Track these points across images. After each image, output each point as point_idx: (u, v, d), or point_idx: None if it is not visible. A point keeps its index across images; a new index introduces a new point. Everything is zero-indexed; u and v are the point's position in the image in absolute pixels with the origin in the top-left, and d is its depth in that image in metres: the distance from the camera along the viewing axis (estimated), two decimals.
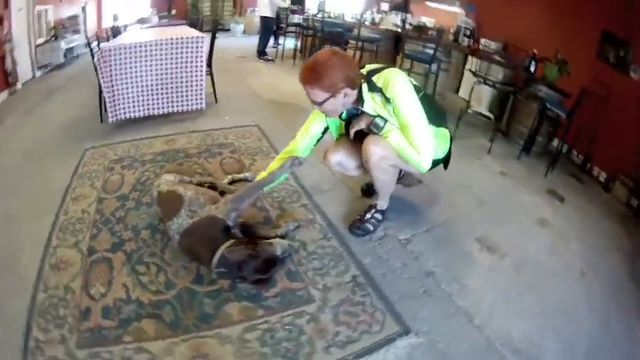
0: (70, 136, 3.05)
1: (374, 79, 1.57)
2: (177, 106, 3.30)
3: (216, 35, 3.73)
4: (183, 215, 1.61)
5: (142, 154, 2.66)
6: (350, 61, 1.53)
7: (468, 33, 4.29)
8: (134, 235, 1.84)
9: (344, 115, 1.70)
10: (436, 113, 1.70)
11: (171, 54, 3.08)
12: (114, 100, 2.99)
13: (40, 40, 4.93)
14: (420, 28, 4.78)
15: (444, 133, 1.77)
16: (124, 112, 3.08)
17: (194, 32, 3.41)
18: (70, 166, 2.54)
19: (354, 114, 1.66)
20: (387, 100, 1.55)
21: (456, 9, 4.97)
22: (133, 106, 3.11)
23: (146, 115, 3.19)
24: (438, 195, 2.31)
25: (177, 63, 3.13)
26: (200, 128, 3.11)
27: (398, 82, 1.53)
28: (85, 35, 4.25)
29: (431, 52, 3.84)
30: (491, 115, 3.77)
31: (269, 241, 1.57)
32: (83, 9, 6.15)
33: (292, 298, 1.51)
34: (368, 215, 1.90)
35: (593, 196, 2.67)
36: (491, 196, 2.39)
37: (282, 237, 1.74)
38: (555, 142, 3.24)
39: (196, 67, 3.22)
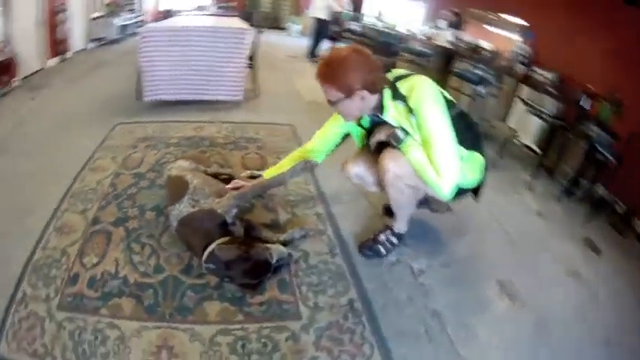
0: (106, 109, 3.15)
1: (398, 85, 1.41)
2: (213, 95, 3.30)
3: (262, 30, 3.73)
4: (185, 202, 1.56)
5: (169, 137, 2.67)
6: (371, 62, 1.36)
7: (524, 60, 4.02)
8: (139, 213, 1.84)
9: (366, 123, 1.56)
10: (471, 135, 1.50)
11: (213, 42, 3.09)
12: (151, 80, 3.04)
13: (95, 14, 5.18)
14: (474, 48, 4.57)
15: (478, 158, 1.55)
16: (160, 93, 3.12)
17: (240, 24, 3.42)
18: (99, 137, 2.61)
19: (378, 122, 1.51)
20: (410, 110, 1.37)
21: (514, 35, 4.70)
22: (169, 89, 3.14)
23: (180, 99, 3.22)
24: (465, 227, 2.10)
25: (217, 52, 3.13)
26: (233, 120, 3.09)
27: (423, 91, 1.36)
28: (134, 14, 4.43)
29: (481, 73, 3.64)
30: (538, 149, 3.48)
31: (266, 245, 1.47)
32: None
33: (277, 310, 1.40)
34: (382, 237, 1.74)
35: (632, 252, 2.35)
36: (522, 236, 2.15)
37: (285, 244, 1.64)
38: (599, 188, 2.92)
39: (237, 58, 3.21)
